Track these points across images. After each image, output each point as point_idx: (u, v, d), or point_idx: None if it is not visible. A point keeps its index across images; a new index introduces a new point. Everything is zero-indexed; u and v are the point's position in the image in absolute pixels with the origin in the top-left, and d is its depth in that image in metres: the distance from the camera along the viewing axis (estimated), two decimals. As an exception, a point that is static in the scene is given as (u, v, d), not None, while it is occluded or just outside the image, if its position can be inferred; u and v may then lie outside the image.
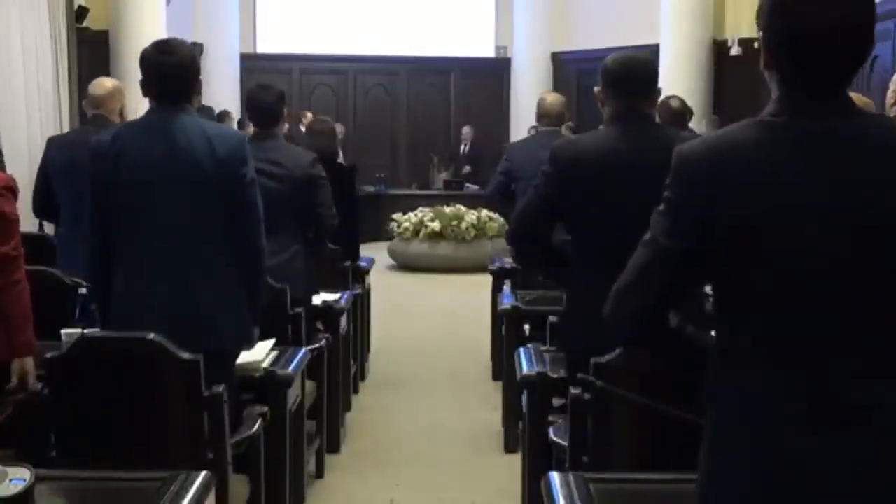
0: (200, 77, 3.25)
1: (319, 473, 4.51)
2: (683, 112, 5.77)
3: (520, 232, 3.11)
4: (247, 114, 4.43)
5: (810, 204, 1.56)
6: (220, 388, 2.81)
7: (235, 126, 11.41)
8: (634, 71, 2.99)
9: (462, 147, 13.59)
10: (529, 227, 3.05)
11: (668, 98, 5.82)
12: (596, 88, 3.06)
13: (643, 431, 2.66)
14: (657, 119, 5.91)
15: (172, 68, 3.08)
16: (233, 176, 3.01)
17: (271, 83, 4.74)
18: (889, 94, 4.14)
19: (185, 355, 2.78)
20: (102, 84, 4.58)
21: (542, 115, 5.57)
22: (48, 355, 2.82)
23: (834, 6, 1.59)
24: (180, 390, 2.81)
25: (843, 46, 1.61)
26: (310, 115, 12.17)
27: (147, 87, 3.11)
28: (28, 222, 6.74)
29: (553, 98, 5.77)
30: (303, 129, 11.84)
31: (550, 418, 3.23)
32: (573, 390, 2.69)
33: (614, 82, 2.98)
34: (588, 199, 2.92)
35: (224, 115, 10.46)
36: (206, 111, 10.03)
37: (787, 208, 1.57)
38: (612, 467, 2.64)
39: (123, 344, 2.84)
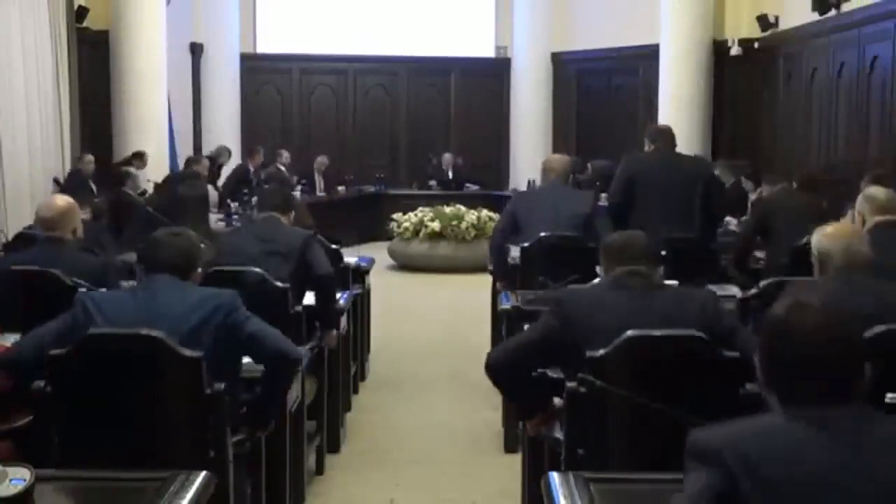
0: None
1: (319, 470, 4.52)
2: (670, 131, 6.02)
3: (509, 367, 3.14)
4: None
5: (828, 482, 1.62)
6: (222, 386, 2.81)
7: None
8: (632, 243, 3.12)
9: (446, 173, 13.54)
10: (520, 364, 3.11)
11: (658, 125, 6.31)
12: (598, 268, 3.25)
13: (637, 425, 2.67)
14: (647, 143, 6.09)
15: None
16: None
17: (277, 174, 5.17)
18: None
19: (188, 352, 2.78)
20: (54, 204, 4.18)
21: (547, 170, 5.95)
22: (52, 353, 2.82)
23: (820, 335, 1.68)
24: (183, 388, 2.82)
25: (832, 369, 1.68)
26: (285, 153, 12.26)
27: None
28: (24, 219, 6.75)
29: (558, 157, 6.38)
30: (281, 167, 11.95)
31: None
32: (569, 384, 2.70)
33: (617, 252, 3.11)
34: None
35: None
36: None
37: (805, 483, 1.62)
38: (607, 460, 2.66)
39: (126, 341, 2.84)
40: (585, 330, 2.86)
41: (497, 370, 3.14)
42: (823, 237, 3.29)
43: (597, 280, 3.96)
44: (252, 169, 11.34)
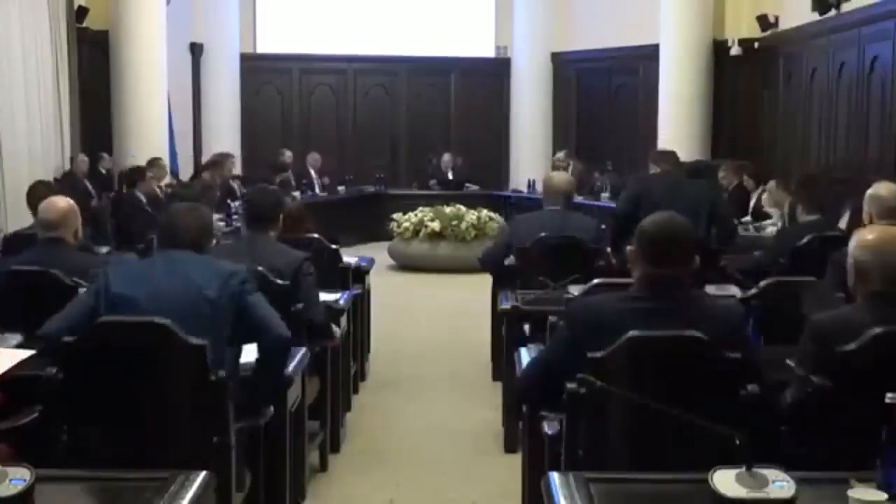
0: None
1: (324, 467, 4.55)
2: (673, 154, 5.90)
3: (530, 395, 3.10)
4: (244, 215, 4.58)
5: None
6: (225, 373, 2.83)
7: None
8: (671, 237, 2.82)
9: (445, 174, 13.47)
10: (538, 390, 3.00)
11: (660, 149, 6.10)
12: (629, 248, 2.91)
13: (637, 425, 2.67)
14: (651, 166, 5.94)
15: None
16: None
17: (268, 186, 4.94)
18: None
19: (193, 340, 2.82)
20: (55, 206, 4.17)
21: (548, 191, 5.53)
22: (63, 340, 2.86)
23: None
24: (188, 374, 2.85)
25: None
26: (288, 153, 12.27)
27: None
28: (24, 219, 6.75)
29: (559, 176, 5.80)
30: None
31: (543, 413, 3.24)
32: (569, 385, 2.70)
33: (649, 245, 2.82)
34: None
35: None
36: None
37: None
38: (607, 460, 2.67)
39: (133, 329, 2.87)
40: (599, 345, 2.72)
41: (528, 398, 3.11)
42: (863, 247, 2.89)
43: (596, 281, 3.97)
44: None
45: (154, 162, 9.74)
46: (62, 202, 4.22)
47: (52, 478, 2.29)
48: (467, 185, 13.34)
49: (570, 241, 5.20)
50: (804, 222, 5.46)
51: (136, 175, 8.79)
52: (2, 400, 2.97)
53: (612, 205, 10.95)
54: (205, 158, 12.13)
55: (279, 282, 3.95)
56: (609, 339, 2.70)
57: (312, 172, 12.44)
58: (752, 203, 8.71)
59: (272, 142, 13.59)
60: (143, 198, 8.35)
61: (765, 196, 8.53)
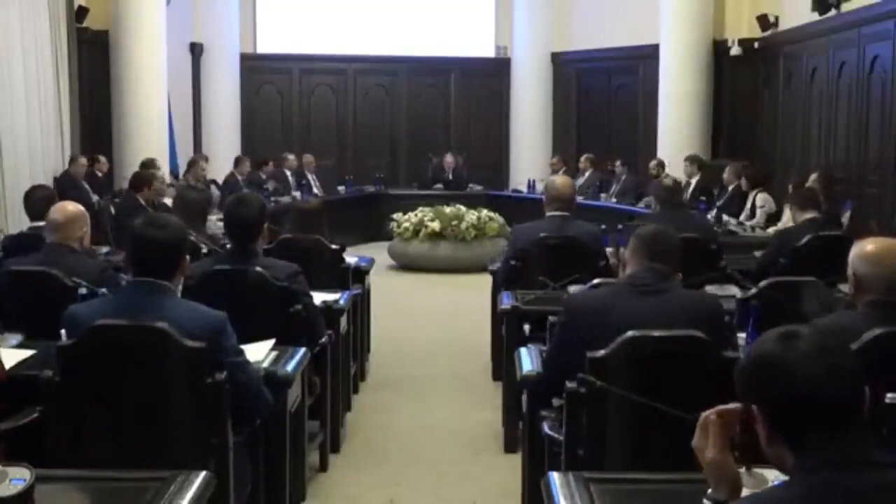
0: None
1: (324, 467, 4.55)
2: (678, 190, 5.90)
3: (553, 390, 3.15)
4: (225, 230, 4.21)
5: None
6: (223, 375, 2.84)
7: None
8: (670, 238, 3.12)
9: (446, 174, 13.42)
10: (558, 386, 3.02)
11: (663, 177, 6.13)
12: (622, 250, 3.25)
13: (637, 425, 2.67)
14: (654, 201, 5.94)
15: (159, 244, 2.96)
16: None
17: (250, 194, 4.60)
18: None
19: (190, 343, 2.82)
20: (64, 209, 4.16)
21: (551, 198, 5.32)
22: (59, 344, 2.86)
23: (816, 364, 1.58)
24: (186, 376, 2.85)
25: (834, 400, 1.58)
26: (290, 157, 12.27)
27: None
28: (25, 219, 6.75)
29: (561, 181, 5.58)
30: (287, 171, 11.86)
31: (543, 413, 3.25)
32: (569, 384, 2.70)
33: (649, 243, 3.09)
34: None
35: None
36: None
37: None
38: (607, 460, 2.67)
39: (130, 332, 2.87)
40: (592, 331, 2.84)
41: (540, 394, 3.20)
42: (863, 258, 2.90)
43: (597, 280, 3.98)
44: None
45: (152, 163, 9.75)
46: (72, 207, 4.22)
47: (52, 478, 2.30)
48: (471, 185, 13.29)
49: (570, 241, 5.19)
50: (803, 221, 5.52)
51: (139, 181, 8.78)
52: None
53: (611, 205, 11.01)
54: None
55: (278, 283, 3.93)
56: (599, 319, 2.87)
57: (309, 175, 12.44)
58: (748, 204, 8.73)
59: (272, 142, 13.59)
60: (141, 201, 8.34)
61: (759, 197, 8.57)
